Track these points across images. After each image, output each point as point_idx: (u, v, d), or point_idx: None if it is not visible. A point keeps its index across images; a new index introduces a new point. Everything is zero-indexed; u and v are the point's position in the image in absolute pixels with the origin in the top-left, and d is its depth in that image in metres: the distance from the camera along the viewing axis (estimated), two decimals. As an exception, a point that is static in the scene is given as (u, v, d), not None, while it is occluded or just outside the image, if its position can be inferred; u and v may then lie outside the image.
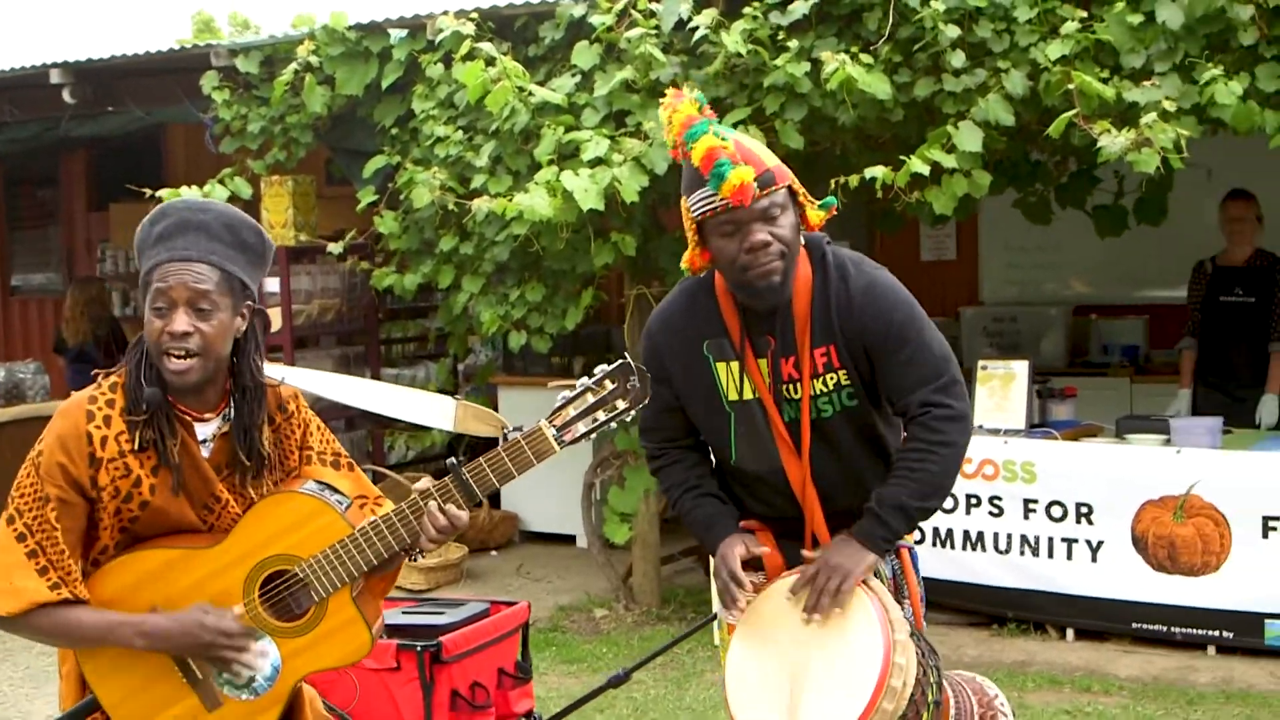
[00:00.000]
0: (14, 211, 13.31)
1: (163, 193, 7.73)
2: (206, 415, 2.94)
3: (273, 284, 8.44)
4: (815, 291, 3.29)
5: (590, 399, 2.96)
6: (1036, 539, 6.73)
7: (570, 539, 9.26)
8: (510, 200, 6.59)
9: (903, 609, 3.31)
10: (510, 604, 4.82)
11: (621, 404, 2.97)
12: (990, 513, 6.80)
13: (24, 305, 13.51)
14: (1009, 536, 6.79)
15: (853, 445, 3.36)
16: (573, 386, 2.97)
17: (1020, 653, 6.60)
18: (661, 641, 7.04)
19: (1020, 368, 7.09)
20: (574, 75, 6.92)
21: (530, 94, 6.81)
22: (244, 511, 2.96)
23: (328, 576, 2.91)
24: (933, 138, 6.17)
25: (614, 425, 3.00)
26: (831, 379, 3.29)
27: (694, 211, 3.24)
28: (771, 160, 3.23)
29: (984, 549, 6.81)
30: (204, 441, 2.94)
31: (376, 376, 9.17)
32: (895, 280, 3.34)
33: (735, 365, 3.34)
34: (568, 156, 6.70)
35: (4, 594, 2.81)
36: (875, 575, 3.33)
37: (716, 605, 3.59)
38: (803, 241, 3.30)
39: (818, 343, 3.28)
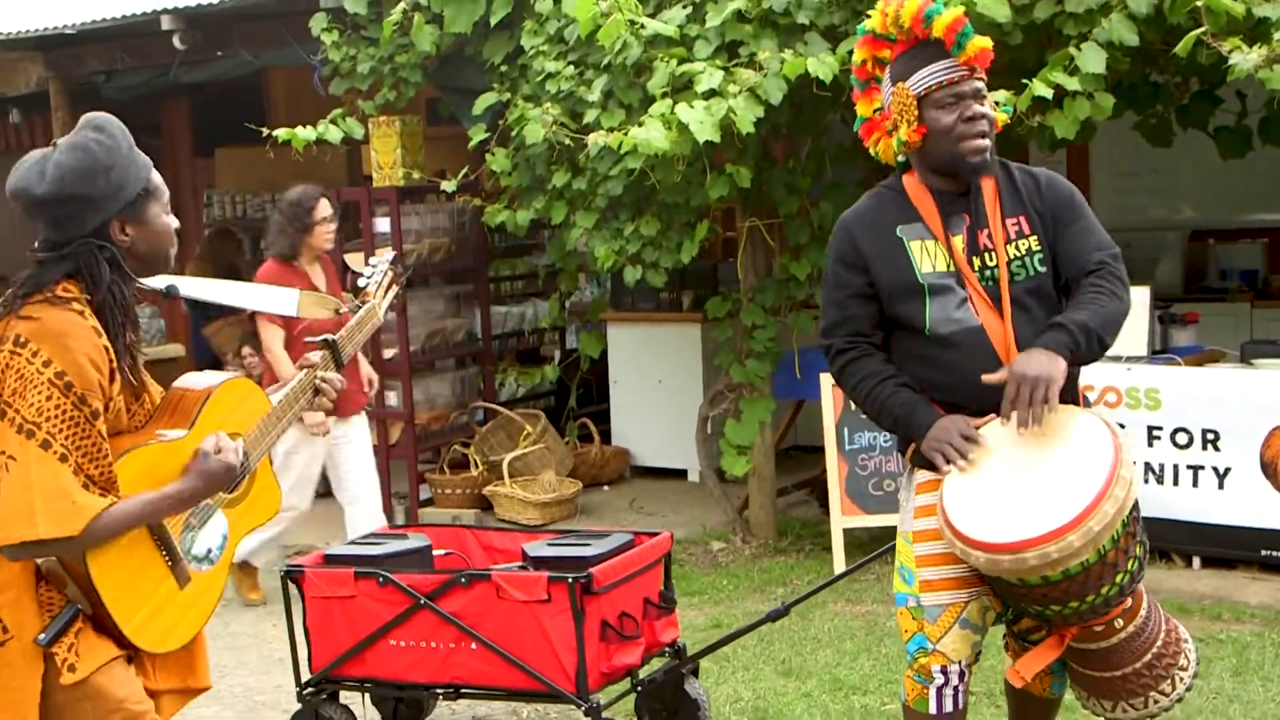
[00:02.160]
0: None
1: (279, 132, 7.81)
2: None
3: (383, 224, 8.49)
4: (1000, 177, 3.68)
5: (385, 281, 3.73)
6: (1161, 466, 6.67)
7: (681, 473, 9.29)
8: (625, 134, 6.57)
9: None
10: (653, 534, 4.84)
11: (395, 288, 3.78)
12: (1113, 440, 6.72)
13: (133, 251, 13.69)
14: (1133, 465, 6.71)
15: (1042, 315, 3.57)
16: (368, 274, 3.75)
17: (1147, 581, 6.53)
18: (780, 573, 7.10)
19: (1138, 294, 6.99)
20: (685, 7, 6.86)
21: (642, 27, 6.77)
22: (147, 410, 3.18)
23: (258, 449, 3.22)
24: (1054, 60, 6.06)
25: (391, 299, 3.76)
26: (1024, 244, 3.61)
27: (916, 88, 3.57)
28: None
29: (1107, 477, 6.75)
30: None
31: (486, 314, 9.21)
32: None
33: (931, 243, 3.62)
34: (680, 89, 6.65)
35: (71, 514, 2.83)
36: None
37: (905, 505, 3.68)
38: None
39: (1009, 213, 3.64)
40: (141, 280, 3.13)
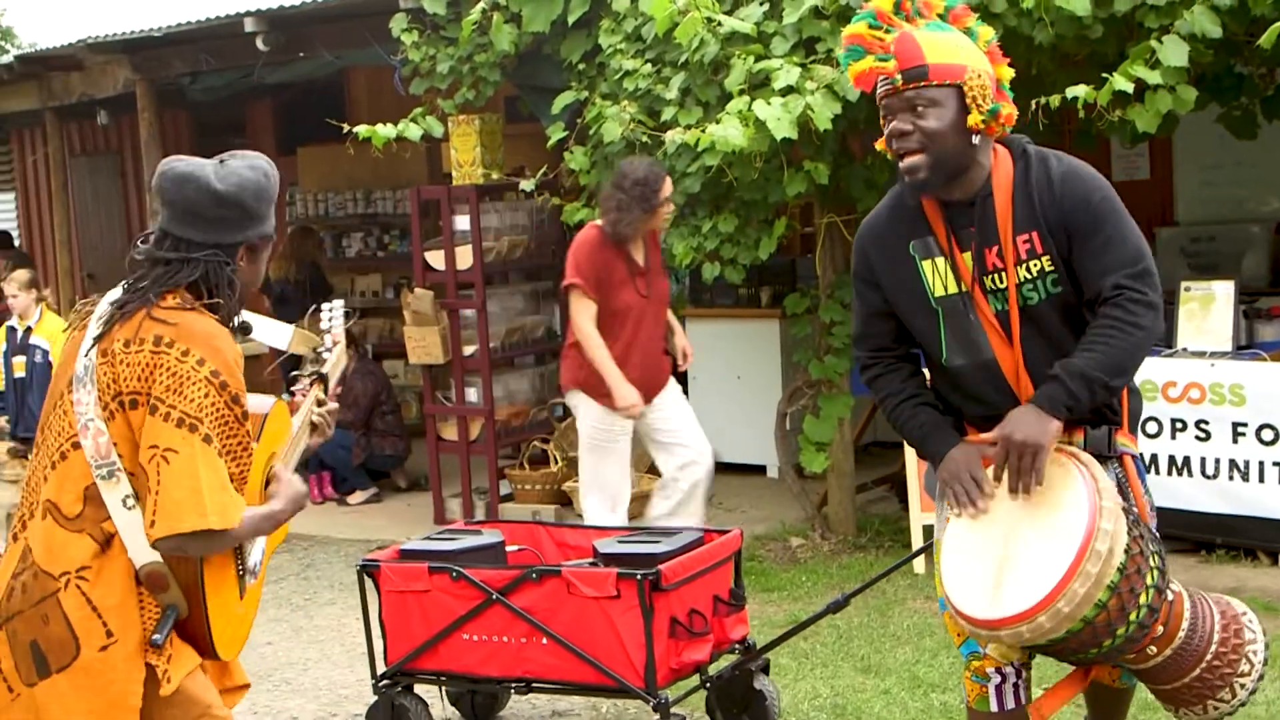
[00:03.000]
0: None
1: (360, 129, 7.88)
2: None
3: (463, 222, 8.55)
4: (1017, 182, 3.41)
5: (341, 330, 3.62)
6: (1246, 463, 6.58)
7: (759, 469, 9.29)
8: (703, 131, 6.57)
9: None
10: (723, 531, 4.85)
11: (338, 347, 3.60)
12: (1197, 437, 6.65)
13: (219, 250, 13.89)
14: (1217, 461, 6.64)
15: (1061, 332, 3.42)
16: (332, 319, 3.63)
17: (1230, 579, 6.46)
18: (860, 570, 7.08)
19: (1222, 288, 6.91)
20: (762, 4, 6.85)
21: (719, 24, 6.78)
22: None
23: (287, 466, 3.28)
24: (1135, 53, 5.99)
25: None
26: (1035, 265, 3.39)
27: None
28: (947, 58, 3.33)
29: (1190, 474, 6.68)
30: None
31: (565, 311, 9.24)
32: (1095, 171, 3.43)
33: (941, 261, 3.46)
34: (758, 86, 6.65)
35: (231, 507, 2.93)
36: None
37: (939, 514, 3.63)
38: (1000, 140, 3.45)
39: (1020, 230, 3.39)
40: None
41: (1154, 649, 3.49)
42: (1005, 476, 3.36)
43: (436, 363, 8.69)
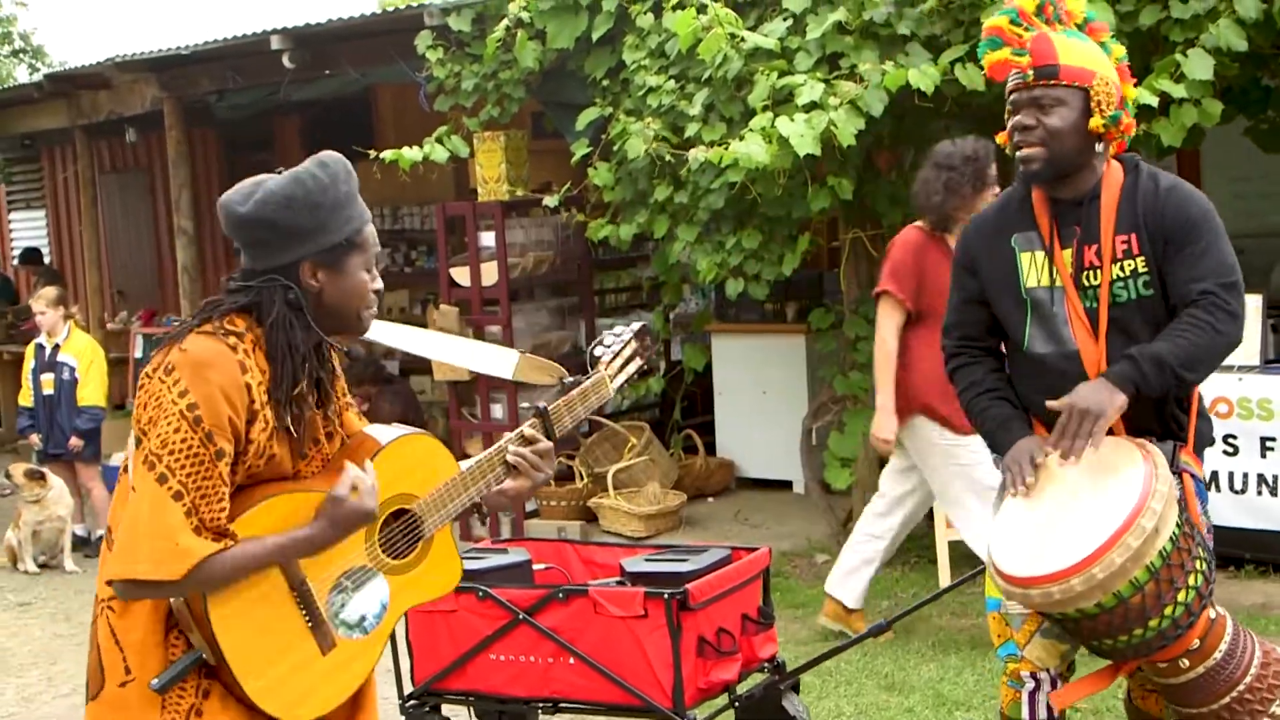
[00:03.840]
0: (235, 175, 13.59)
1: (386, 154, 7.92)
2: None
3: (488, 238, 8.58)
4: (1125, 189, 3.55)
5: (626, 353, 3.36)
6: (1275, 478, 6.54)
7: (786, 485, 9.27)
8: (726, 148, 6.57)
9: None
10: (751, 550, 4.83)
11: (638, 361, 3.40)
12: (1225, 452, 6.62)
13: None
14: (1245, 476, 6.61)
15: (1145, 335, 3.49)
16: (608, 343, 3.39)
17: (1259, 595, 6.42)
18: (885, 586, 7.05)
19: (1251, 302, 6.84)
20: (785, 19, 6.87)
21: (742, 40, 6.79)
22: (324, 458, 2.96)
23: (438, 514, 3.01)
24: (1160, 67, 5.98)
25: (636, 376, 3.41)
26: (1129, 265, 3.51)
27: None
28: (1079, 61, 3.50)
29: (1219, 489, 6.64)
30: None
31: (591, 327, 9.27)
32: (1199, 191, 3.60)
33: (1040, 255, 3.59)
34: (781, 102, 6.65)
35: (171, 556, 2.66)
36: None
37: (997, 504, 3.66)
38: (1114, 155, 3.60)
39: (1121, 230, 3.52)
40: (326, 334, 2.93)
41: (1186, 662, 3.47)
42: (1059, 447, 3.41)
43: (462, 379, 8.71)
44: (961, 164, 5.78)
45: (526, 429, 3.15)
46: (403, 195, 11.92)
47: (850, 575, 6.30)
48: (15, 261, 16.17)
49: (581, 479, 8.79)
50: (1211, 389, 6.55)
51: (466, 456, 8.03)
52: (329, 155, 2.93)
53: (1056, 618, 3.43)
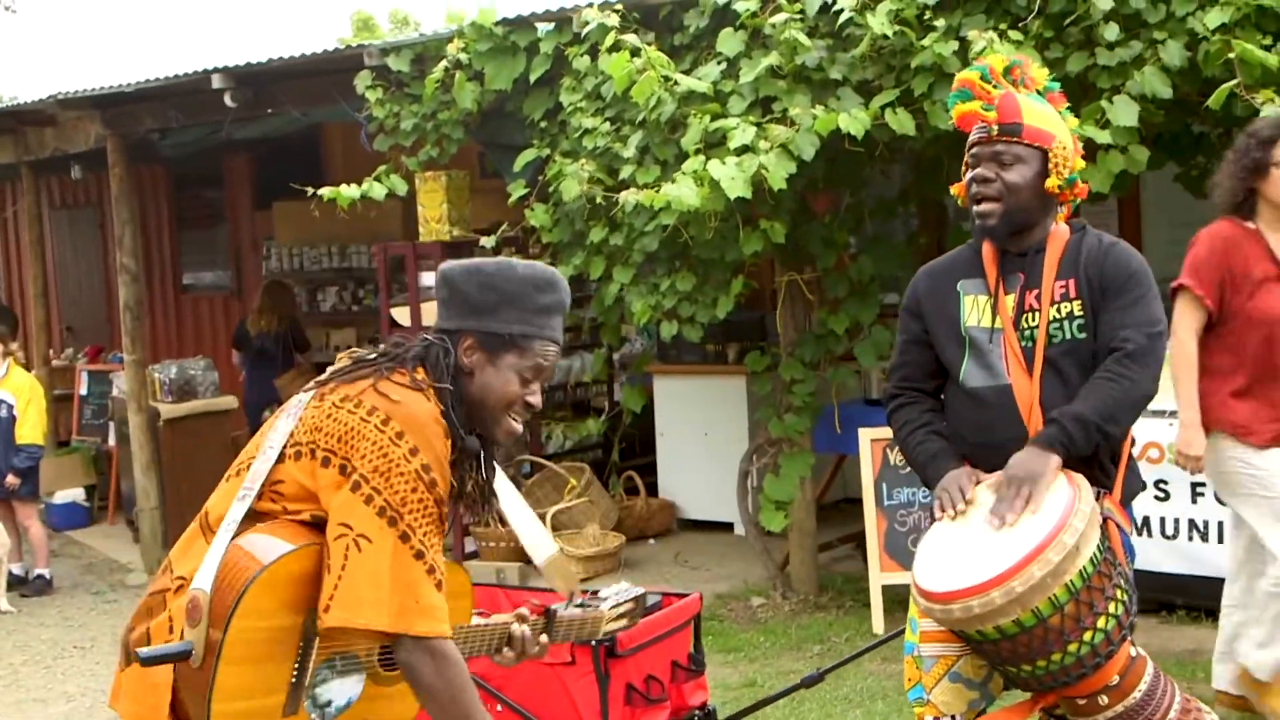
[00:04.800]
0: (183, 212, 13.71)
1: (324, 191, 7.88)
2: None
3: (428, 278, 8.54)
4: (1070, 243, 3.73)
5: (623, 609, 3.56)
6: (1205, 524, 6.54)
7: (728, 526, 9.25)
8: (658, 191, 6.56)
9: None
10: (682, 595, 4.80)
11: (626, 621, 3.60)
12: (1156, 497, 6.62)
13: (195, 303, 13.92)
14: (1176, 521, 6.61)
15: (1076, 378, 3.62)
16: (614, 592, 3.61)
17: (1190, 641, 6.42)
18: (818, 630, 7.03)
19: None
20: (719, 63, 6.87)
21: (676, 83, 6.78)
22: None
23: None
24: (1086, 114, 6.00)
25: (617, 628, 3.61)
26: (1066, 308, 3.65)
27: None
28: (1040, 123, 3.69)
29: (1150, 534, 6.64)
30: None
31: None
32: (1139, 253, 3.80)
33: (984, 299, 3.74)
34: (714, 145, 6.65)
35: (421, 613, 2.75)
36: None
37: (924, 536, 3.69)
38: (1065, 221, 3.79)
39: (1061, 275, 3.68)
40: (464, 425, 2.96)
41: (1105, 699, 3.50)
42: (1000, 515, 3.47)
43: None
44: (1242, 140, 5.15)
45: (530, 624, 3.23)
46: (350, 234, 11.88)
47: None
48: (-38, 297, 16.06)
49: (521, 520, 8.73)
50: (1144, 434, 6.57)
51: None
52: (551, 270, 3.03)
53: (976, 640, 3.45)
